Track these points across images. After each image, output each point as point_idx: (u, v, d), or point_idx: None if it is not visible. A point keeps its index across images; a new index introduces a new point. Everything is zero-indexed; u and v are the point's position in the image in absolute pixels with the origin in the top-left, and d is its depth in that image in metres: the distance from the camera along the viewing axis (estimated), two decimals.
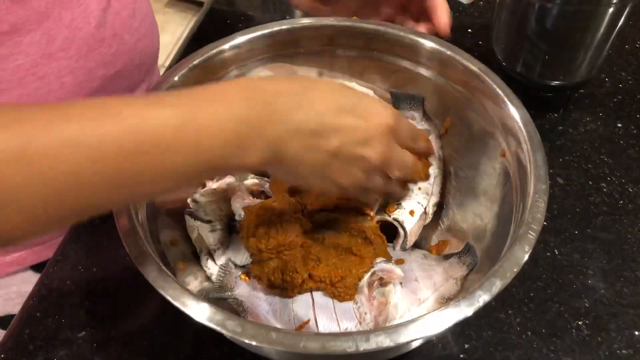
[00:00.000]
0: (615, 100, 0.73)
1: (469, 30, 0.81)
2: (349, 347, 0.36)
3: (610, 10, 0.58)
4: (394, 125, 0.41)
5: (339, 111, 0.40)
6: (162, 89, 0.51)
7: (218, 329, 0.37)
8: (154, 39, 0.68)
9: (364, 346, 0.36)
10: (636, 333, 0.54)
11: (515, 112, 0.48)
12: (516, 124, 0.47)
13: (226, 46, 0.54)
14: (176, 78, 0.52)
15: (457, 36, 0.80)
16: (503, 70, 0.69)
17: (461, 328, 0.54)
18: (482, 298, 0.38)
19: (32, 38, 0.52)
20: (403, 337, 0.36)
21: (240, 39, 0.55)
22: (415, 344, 0.48)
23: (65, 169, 0.31)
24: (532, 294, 0.57)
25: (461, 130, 0.56)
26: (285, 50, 0.56)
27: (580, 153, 0.68)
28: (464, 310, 0.38)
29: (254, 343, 0.36)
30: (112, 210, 0.42)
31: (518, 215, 0.45)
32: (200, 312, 0.38)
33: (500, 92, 0.49)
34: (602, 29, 0.60)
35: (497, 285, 0.39)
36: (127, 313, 0.55)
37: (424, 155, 0.47)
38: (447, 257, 0.53)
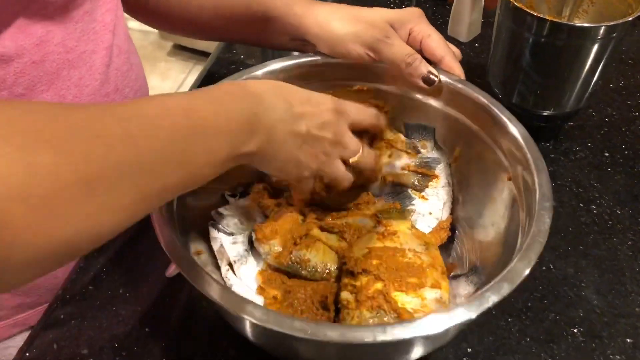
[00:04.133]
0: (602, 132, 0.79)
1: (466, 67, 0.86)
2: (367, 337, 0.38)
3: (596, 45, 0.64)
4: (338, 107, 0.52)
5: (301, 103, 0.49)
6: None
7: (247, 317, 0.40)
8: (146, 90, 0.73)
9: (381, 337, 0.38)
10: (627, 340, 0.57)
11: (520, 139, 0.52)
12: (522, 149, 0.51)
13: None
14: None
15: None
16: (500, 102, 0.75)
17: (464, 334, 0.58)
18: (492, 299, 0.41)
19: (44, 98, 0.55)
20: (419, 329, 0.39)
21: (254, 74, 0.59)
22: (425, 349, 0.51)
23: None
24: (529, 304, 0.60)
25: (469, 159, 0.60)
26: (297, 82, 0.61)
27: (572, 178, 0.73)
28: (473, 309, 0.40)
29: (279, 329, 0.39)
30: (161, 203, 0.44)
31: (524, 231, 0.48)
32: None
33: (506, 120, 0.53)
34: (588, 63, 0.66)
35: (506, 288, 0.42)
36: (145, 314, 0.58)
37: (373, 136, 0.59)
38: (454, 277, 0.56)
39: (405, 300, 0.48)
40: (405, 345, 0.42)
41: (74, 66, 0.57)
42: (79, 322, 0.58)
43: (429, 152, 0.62)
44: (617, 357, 0.56)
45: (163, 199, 0.40)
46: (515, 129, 0.53)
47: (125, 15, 0.69)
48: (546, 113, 0.73)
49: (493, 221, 0.55)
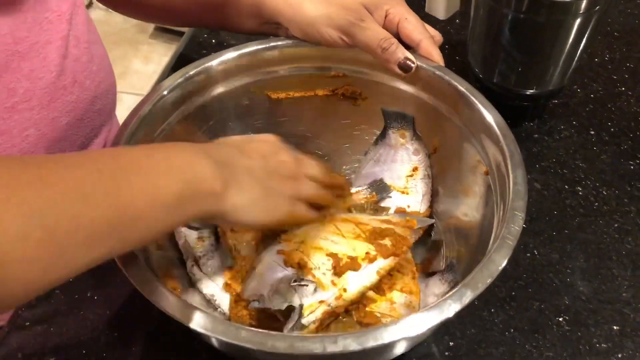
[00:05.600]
0: (587, 109, 0.76)
1: (446, 46, 0.83)
2: (316, 348, 0.36)
3: (578, 20, 0.61)
4: (278, 143, 0.51)
5: (247, 142, 0.49)
6: (149, 106, 0.52)
7: (193, 326, 0.37)
8: (112, 82, 0.68)
9: (331, 348, 0.36)
10: (614, 327, 0.56)
11: (497, 130, 0.49)
12: (499, 143, 0.48)
13: (213, 63, 0.56)
14: (165, 92, 0.53)
15: None
16: (480, 82, 0.72)
17: (446, 327, 0.56)
18: (453, 307, 0.39)
19: None
20: (371, 341, 0.36)
21: (226, 56, 0.56)
22: (400, 350, 0.49)
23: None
24: (513, 293, 0.58)
25: (447, 150, 0.58)
26: (265, 68, 0.58)
27: (556, 159, 0.70)
28: (433, 317, 0.38)
29: (223, 339, 0.37)
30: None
31: (498, 230, 0.45)
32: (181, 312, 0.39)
33: (483, 110, 0.51)
34: (570, 39, 0.63)
35: (468, 296, 0.39)
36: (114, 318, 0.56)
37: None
38: (429, 274, 0.54)
39: (373, 303, 0.45)
40: (360, 354, 0.40)
41: (25, 58, 0.54)
42: (45, 328, 0.55)
43: (407, 141, 0.60)
44: (604, 345, 0.54)
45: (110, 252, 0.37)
46: (492, 119, 0.50)
47: None
48: (529, 92, 0.70)
49: (469, 215, 0.53)
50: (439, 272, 0.53)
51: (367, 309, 0.45)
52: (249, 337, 0.37)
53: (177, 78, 0.54)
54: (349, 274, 0.46)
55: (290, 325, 0.45)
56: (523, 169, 0.46)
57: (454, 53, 0.81)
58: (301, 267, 0.46)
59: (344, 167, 0.64)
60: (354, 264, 0.46)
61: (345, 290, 0.45)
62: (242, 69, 0.57)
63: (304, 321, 0.44)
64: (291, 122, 0.61)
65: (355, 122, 0.62)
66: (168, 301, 0.39)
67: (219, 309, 0.52)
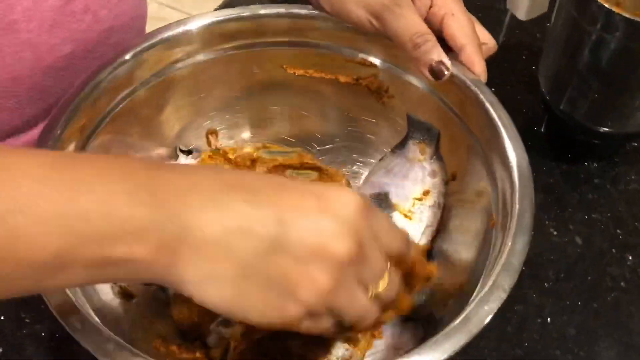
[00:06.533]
0: None
1: (525, 51, 0.72)
2: None
3: None
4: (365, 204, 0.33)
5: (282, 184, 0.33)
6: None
7: None
8: (137, 15, 0.61)
9: None
10: None
11: (516, 174, 0.40)
12: (514, 196, 0.39)
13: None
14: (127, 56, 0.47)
15: (506, 56, 0.72)
16: (546, 105, 0.61)
17: None
18: None
19: None
20: None
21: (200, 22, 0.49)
22: None
23: None
24: None
25: (463, 182, 0.49)
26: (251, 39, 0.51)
27: (613, 214, 0.59)
28: None
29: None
30: None
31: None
32: None
33: (510, 150, 0.42)
34: None
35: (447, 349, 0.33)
36: None
37: None
38: (405, 320, 0.46)
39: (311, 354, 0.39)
40: None
41: None
42: None
43: (427, 160, 0.51)
44: None
45: None
46: (514, 162, 0.40)
47: None
48: (601, 130, 0.58)
49: (463, 265, 0.44)
50: (411, 321, 0.45)
51: (297, 350, 0.39)
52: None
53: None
54: None
55: (219, 319, 0.40)
56: (528, 236, 0.37)
57: (528, 64, 0.69)
58: None
59: (343, 169, 0.56)
60: None
61: None
62: (256, 32, 0.50)
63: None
64: (301, 102, 0.54)
65: (372, 121, 0.54)
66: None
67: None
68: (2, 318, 0.50)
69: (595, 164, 0.63)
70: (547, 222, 0.58)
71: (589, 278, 0.55)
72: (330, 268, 0.29)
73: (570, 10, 0.53)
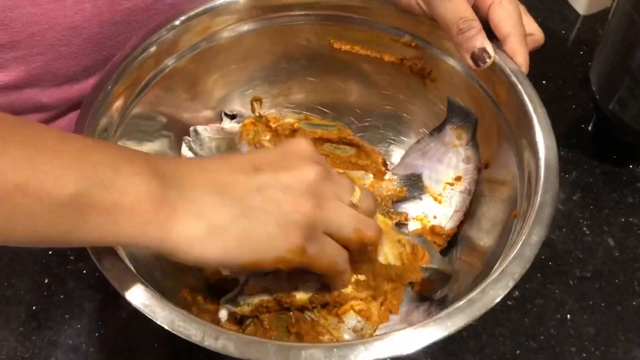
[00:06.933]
0: None
1: (584, 46, 0.70)
2: None
3: None
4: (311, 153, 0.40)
5: (249, 155, 0.41)
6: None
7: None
8: None
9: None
10: None
11: (543, 172, 0.40)
12: (538, 184, 0.40)
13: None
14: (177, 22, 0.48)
15: (563, 50, 0.70)
16: (594, 103, 0.60)
17: None
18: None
19: None
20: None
21: None
22: None
23: None
24: (518, 352, 0.50)
25: (493, 171, 0.49)
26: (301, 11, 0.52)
27: None
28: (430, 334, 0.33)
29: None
30: None
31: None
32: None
33: (540, 143, 0.41)
34: None
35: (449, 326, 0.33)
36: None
37: None
38: (421, 299, 0.47)
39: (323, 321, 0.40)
40: None
41: None
42: None
43: (462, 146, 0.51)
44: None
45: None
46: (543, 158, 0.40)
47: None
48: None
49: (481, 252, 0.45)
50: (426, 303, 0.46)
51: (310, 314, 0.40)
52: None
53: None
54: (310, 276, 0.40)
55: (228, 295, 0.41)
56: (546, 228, 0.37)
57: (585, 59, 0.68)
58: None
59: (378, 145, 0.57)
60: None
61: (297, 289, 0.41)
62: (306, 5, 0.51)
63: (239, 298, 0.41)
64: (343, 77, 0.55)
65: (411, 101, 0.54)
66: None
67: None
68: (50, 252, 0.54)
69: (639, 167, 0.61)
70: (580, 221, 0.58)
71: (617, 281, 0.54)
72: (308, 190, 0.35)
73: (627, 8, 0.52)
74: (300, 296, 0.40)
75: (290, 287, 0.40)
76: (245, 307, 0.40)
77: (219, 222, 0.33)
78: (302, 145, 0.38)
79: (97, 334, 0.50)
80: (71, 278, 0.53)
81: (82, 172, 0.30)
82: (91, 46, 0.55)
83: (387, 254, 0.43)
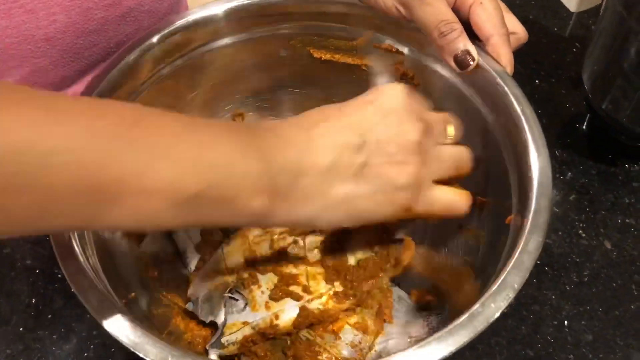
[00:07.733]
0: None
1: (577, 44, 0.69)
2: None
3: None
4: (404, 97, 0.41)
5: (341, 108, 0.40)
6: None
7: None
8: None
9: None
10: None
11: (536, 178, 0.39)
12: (531, 198, 0.38)
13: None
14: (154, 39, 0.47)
15: (556, 48, 0.69)
16: (587, 102, 0.59)
17: None
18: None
19: None
20: None
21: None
22: None
23: None
24: None
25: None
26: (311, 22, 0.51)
27: None
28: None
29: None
30: None
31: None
32: None
33: (532, 154, 0.40)
34: None
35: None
36: None
37: None
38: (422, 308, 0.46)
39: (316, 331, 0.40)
40: None
41: None
42: None
43: None
44: None
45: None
46: (535, 158, 0.39)
47: None
48: None
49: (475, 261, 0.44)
50: (426, 312, 0.45)
51: (305, 334, 0.39)
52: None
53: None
54: (288, 302, 0.40)
55: (212, 340, 0.41)
56: (543, 235, 0.36)
57: (578, 58, 0.67)
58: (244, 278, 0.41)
59: None
60: (295, 294, 0.40)
61: (277, 317, 0.40)
62: (285, 16, 0.50)
63: (223, 340, 0.40)
64: (324, 87, 0.54)
65: None
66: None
67: (188, 267, 0.49)
68: (37, 271, 0.53)
69: (636, 166, 0.60)
70: (576, 223, 0.57)
71: (614, 285, 0.53)
72: (412, 152, 0.37)
73: (618, 7, 0.50)
74: (284, 324, 0.39)
75: (271, 314, 0.40)
76: (231, 346, 0.40)
77: (328, 203, 0.36)
78: (397, 93, 0.39)
79: (85, 354, 0.50)
80: (59, 297, 0.52)
81: (201, 176, 0.31)
82: (68, 57, 0.54)
83: (356, 253, 0.43)
